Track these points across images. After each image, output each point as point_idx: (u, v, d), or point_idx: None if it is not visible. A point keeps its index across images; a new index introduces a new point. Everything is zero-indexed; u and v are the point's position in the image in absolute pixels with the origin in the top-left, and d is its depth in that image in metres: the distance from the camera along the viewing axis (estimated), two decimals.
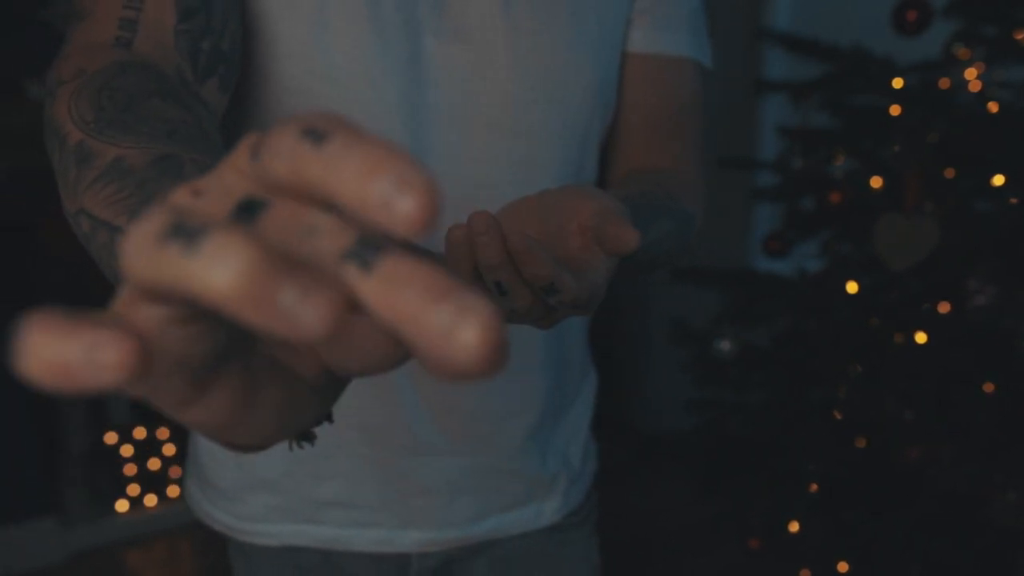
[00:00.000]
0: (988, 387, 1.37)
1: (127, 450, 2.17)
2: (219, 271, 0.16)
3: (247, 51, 0.59)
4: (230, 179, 0.21)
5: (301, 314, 0.16)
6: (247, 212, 0.19)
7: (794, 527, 1.51)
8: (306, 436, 0.35)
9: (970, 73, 1.35)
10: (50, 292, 2.09)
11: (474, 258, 0.38)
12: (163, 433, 2.19)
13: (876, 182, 1.41)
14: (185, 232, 0.16)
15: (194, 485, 0.78)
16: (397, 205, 0.17)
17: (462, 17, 0.63)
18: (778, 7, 2.18)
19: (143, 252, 0.17)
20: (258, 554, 0.75)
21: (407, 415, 0.69)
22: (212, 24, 0.53)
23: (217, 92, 0.53)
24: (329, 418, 0.32)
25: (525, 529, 0.79)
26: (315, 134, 0.18)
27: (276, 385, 0.23)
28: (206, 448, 0.75)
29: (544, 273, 0.38)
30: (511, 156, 0.65)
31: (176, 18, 0.51)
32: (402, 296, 0.17)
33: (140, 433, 2.18)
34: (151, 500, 2.20)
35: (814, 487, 1.49)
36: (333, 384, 0.25)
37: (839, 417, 1.46)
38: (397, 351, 0.22)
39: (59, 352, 0.16)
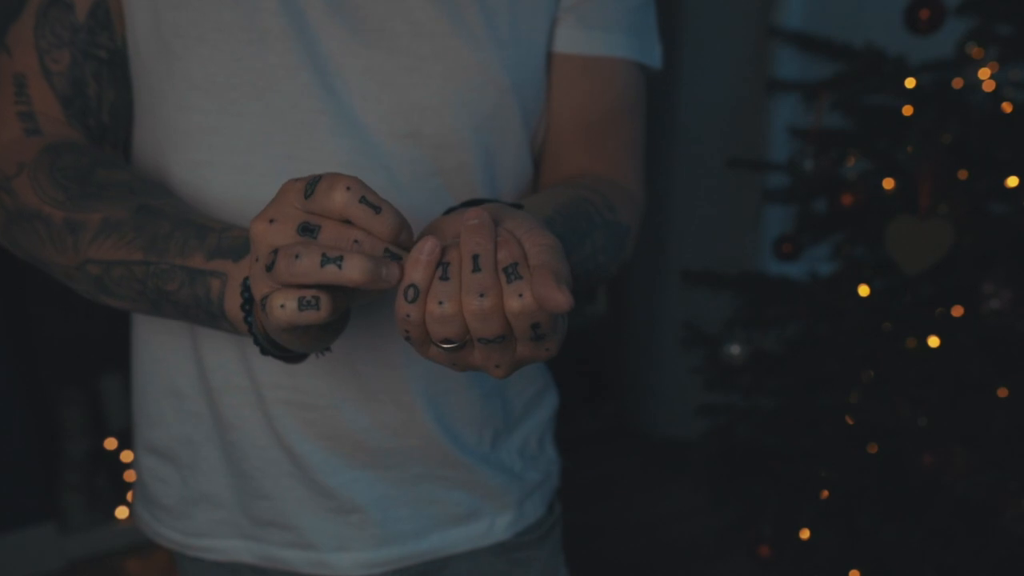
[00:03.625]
0: (1002, 392, 1.35)
1: (127, 456, 2.15)
2: (355, 272, 0.39)
3: (139, 78, 0.63)
4: (287, 210, 0.41)
5: (388, 276, 0.40)
6: (308, 231, 0.40)
7: (805, 534, 1.49)
8: (324, 350, 0.52)
9: (984, 73, 1.34)
10: (49, 292, 2.07)
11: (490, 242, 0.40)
12: None
13: (889, 184, 1.39)
14: (332, 259, 0.38)
15: (141, 507, 0.78)
16: (406, 242, 0.41)
17: (358, 20, 0.60)
18: (789, 6, 2.16)
19: (312, 271, 0.38)
20: (202, 571, 0.74)
21: (328, 434, 0.67)
22: (89, 104, 0.62)
23: (111, 150, 0.65)
24: (328, 348, 0.52)
25: (475, 546, 0.74)
26: (370, 204, 0.40)
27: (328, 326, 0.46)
28: (151, 471, 0.75)
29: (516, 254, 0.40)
30: (414, 164, 0.63)
31: (60, 106, 0.61)
32: (415, 270, 0.40)
33: None
34: None
35: (826, 494, 1.46)
36: (345, 319, 0.47)
37: (851, 423, 1.43)
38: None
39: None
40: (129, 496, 2.16)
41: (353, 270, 0.38)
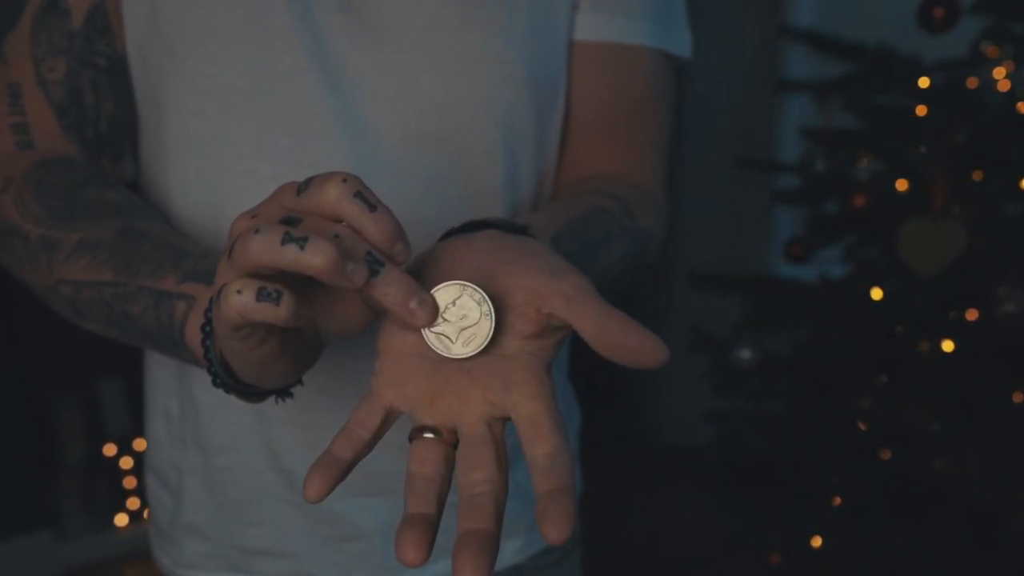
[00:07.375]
0: (1017, 397, 1.33)
1: (126, 462, 2.13)
2: (318, 257, 0.32)
3: (139, 83, 0.61)
4: (274, 209, 0.37)
5: (353, 273, 0.33)
6: (290, 222, 0.35)
7: (816, 542, 1.47)
8: (287, 392, 0.47)
9: (999, 72, 1.32)
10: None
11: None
12: None
13: (901, 185, 1.37)
14: (294, 239, 0.32)
15: (149, 524, 0.76)
16: (398, 256, 0.36)
17: (369, 17, 0.57)
18: (800, 4, 2.15)
19: (269, 250, 0.32)
20: None
21: None
22: (86, 114, 0.59)
23: (111, 165, 0.62)
24: (300, 382, 0.46)
25: None
26: (366, 201, 0.35)
27: (291, 351, 0.39)
28: (152, 491, 0.72)
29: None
30: (429, 168, 0.59)
31: (55, 116, 0.58)
32: (391, 290, 0.35)
33: (140, 445, 2.13)
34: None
35: (837, 500, 1.44)
36: (312, 353, 0.41)
37: (863, 428, 1.42)
38: (367, 316, 0.39)
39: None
40: (130, 503, 2.14)
41: (316, 254, 0.32)
